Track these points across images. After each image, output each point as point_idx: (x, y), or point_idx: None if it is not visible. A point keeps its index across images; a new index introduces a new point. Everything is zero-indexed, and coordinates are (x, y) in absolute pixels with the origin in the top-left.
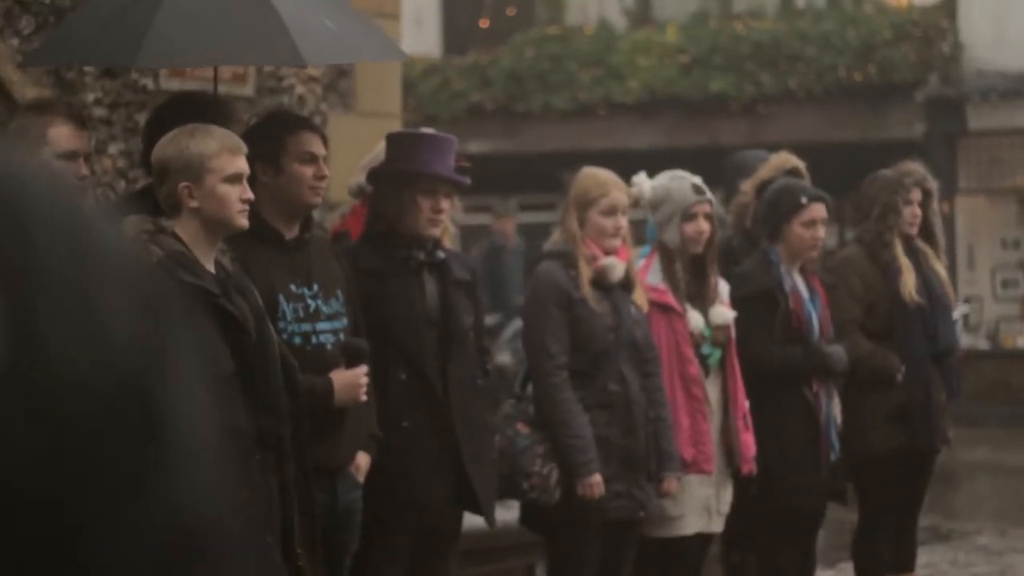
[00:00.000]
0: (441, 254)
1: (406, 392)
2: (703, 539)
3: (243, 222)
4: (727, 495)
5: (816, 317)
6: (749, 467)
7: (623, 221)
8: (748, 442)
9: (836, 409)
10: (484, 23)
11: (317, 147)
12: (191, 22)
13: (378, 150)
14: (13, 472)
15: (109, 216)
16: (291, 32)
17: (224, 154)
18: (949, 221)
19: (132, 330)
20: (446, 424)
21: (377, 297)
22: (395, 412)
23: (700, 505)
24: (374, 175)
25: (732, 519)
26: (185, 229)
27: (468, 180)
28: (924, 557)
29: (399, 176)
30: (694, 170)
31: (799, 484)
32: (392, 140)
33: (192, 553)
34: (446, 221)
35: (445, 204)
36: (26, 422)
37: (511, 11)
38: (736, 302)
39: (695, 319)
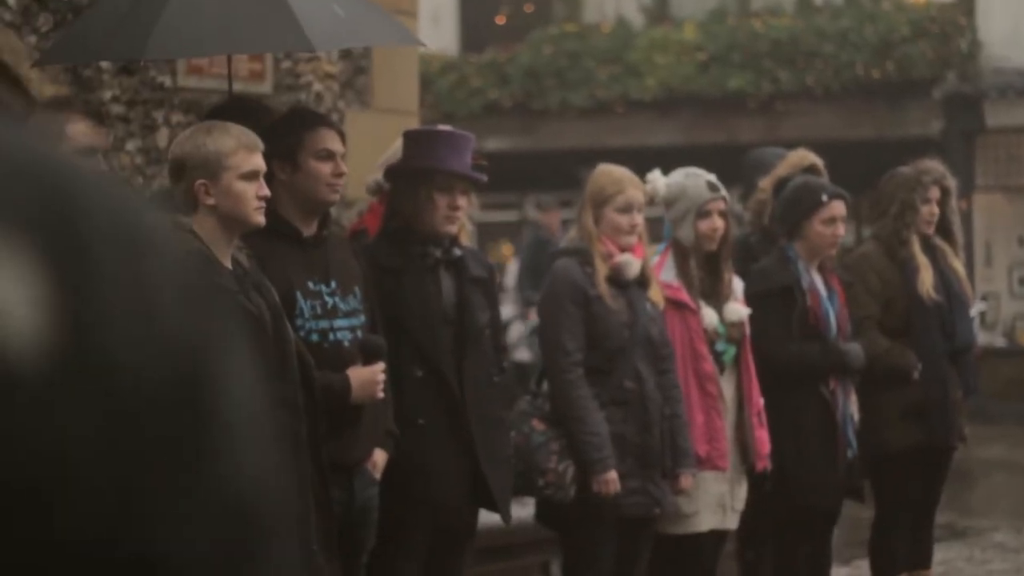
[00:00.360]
0: (458, 251)
1: (422, 389)
2: (717, 536)
3: (260, 219)
4: (742, 492)
5: (834, 314)
6: (764, 464)
7: (639, 218)
8: (763, 439)
9: (853, 406)
10: (501, 20)
11: (335, 144)
12: (199, 13)
13: (395, 147)
14: (73, 460)
15: (156, 206)
16: (299, 19)
17: (241, 151)
18: (966, 218)
19: (186, 318)
20: (462, 422)
21: (393, 294)
22: (411, 409)
23: (714, 502)
24: (391, 172)
25: (747, 516)
26: (202, 226)
27: (485, 177)
28: (940, 554)
29: (416, 173)
30: (712, 167)
31: (816, 482)
32: (409, 137)
33: (254, 539)
34: (463, 218)
35: (462, 201)
36: (85, 410)
37: (528, 8)
38: (754, 298)
39: (709, 316)
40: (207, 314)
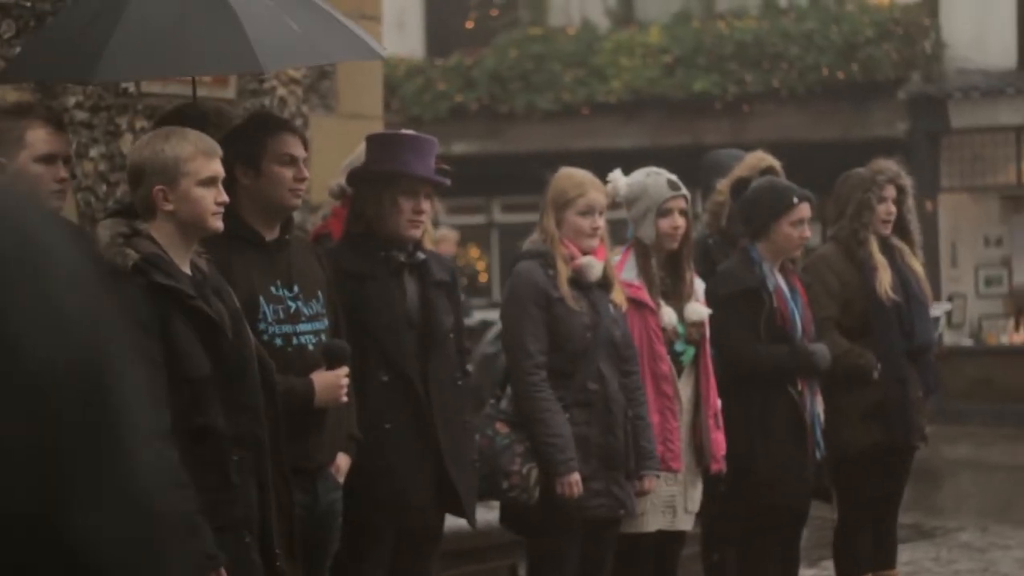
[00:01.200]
0: (421, 255)
1: (388, 393)
2: (668, 537)
3: (218, 224)
4: (696, 494)
5: (799, 315)
6: (719, 466)
7: (600, 221)
8: (719, 441)
9: (820, 407)
10: (467, 24)
11: (297, 149)
12: (149, 35)
13: (359, 151)
14: None
15: (57, 218)
16: (250, 39)
17: (199, 157)
18: (932, 219)
19: (83, 317)
20: (427, 425)
21: (358, 299)
22: (377, 413)
23: (663, 503)
24: (354, 176)
25: (710, 518)
26: (160, 232)
27: (448, 181)
28: (906, 554)
29: (379, 177)
30: (678, 170)
31: (787, 482)
32: (372, 141)
33: (159, 526)
34: (427, 222)
35: (426, 205)
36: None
37: (494, 12)
38: (721, 301)
39: (668, 315)
40: (103, 318)
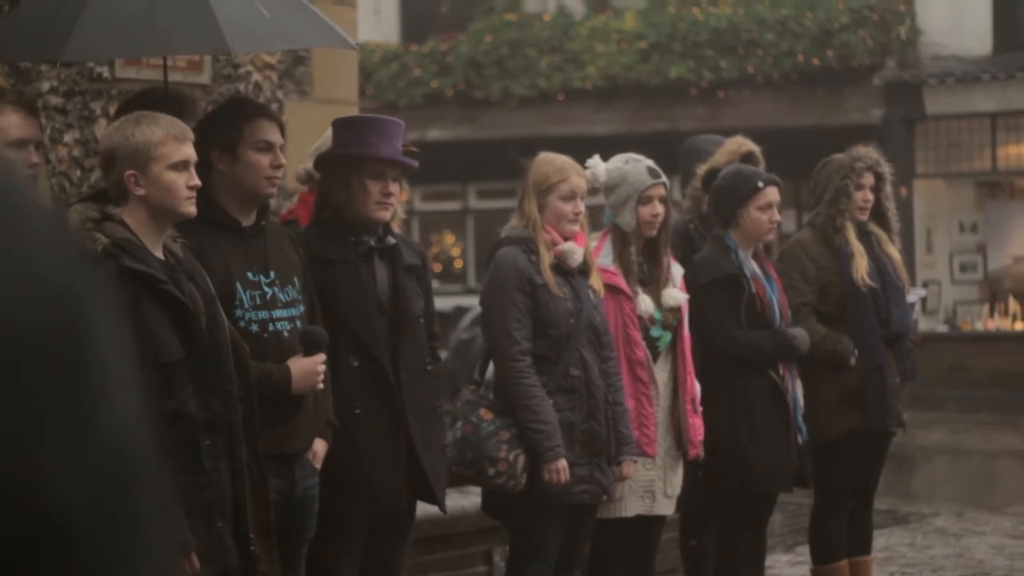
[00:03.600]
0: (391, 239)
1: (358, 378)
2: (648, 522)
3: (190, 209)
4: (676, 479)
5: (776, 301)
6: (696, 451)
7: (582, 206)
8: (696, 426)
9: (800, 392)
10: (443, 10)
11: (273, 135)
12: (119, 15)
13: (326, 136)
14: None
15: (31, 188)
16: (219, 20)
17: (170, 141)
18: (907, 205)
19: (58, 274)
20: (398, 410)
21: (327, 284)
22: (347, 398)
23: (642, 488)
24: (321, 161)
25: (688, 503)
26: (132, 216)
27: (416, 163)
28: (882, 540)
29: (347, 161)
30: (653, 156)
31: (771, 468)
32: (338, 125)
33: (131, 485)
34: (396, 206)
35: (394, 188)
36: None
37: None
38: (701, 288)
39: (644, 302)
40: (78, 272)
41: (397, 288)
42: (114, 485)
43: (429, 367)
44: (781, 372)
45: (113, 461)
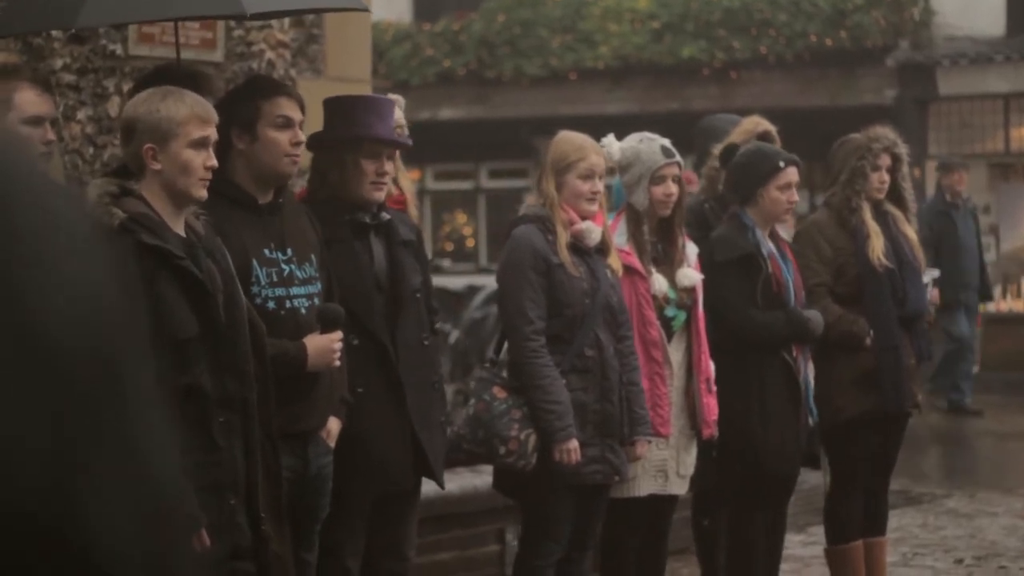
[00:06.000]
0: (386, 215)
1: (359, 357)
2: (661, 501)
3: (202, 193)
4: (690, 458)
5: (791, 281)
6: (710, 431)
7: (600, 185)
8: (710, 406)
9: (811, 374)
10: None
11: (292, 111)
12: None
13: None
14: (7, 430)
15: (71, 185)
16: None
17: (194, 121)
18: (919, 186)
19: (98, 294)
20: (399, 388)
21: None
22: (349, 377)
23: (655, 467)
24: (315, 141)
25: (702, 483)
26: (150, 190)
27: (411, 142)
28: (894, 520)
29: (341, 141)
30: (666, 136)
31: (781, 448)
32: (330, 105)
33: (171, 508)
34: (405, 182)
35: (389, 167)
36: (11, 382)
37: None
38: (717, 267)
39: (659, 282)
40: (118, 291)
41: (394, 264)
42: (154, 520)
43: (426, 342)
44: (794, 354)
45: (153, 495)
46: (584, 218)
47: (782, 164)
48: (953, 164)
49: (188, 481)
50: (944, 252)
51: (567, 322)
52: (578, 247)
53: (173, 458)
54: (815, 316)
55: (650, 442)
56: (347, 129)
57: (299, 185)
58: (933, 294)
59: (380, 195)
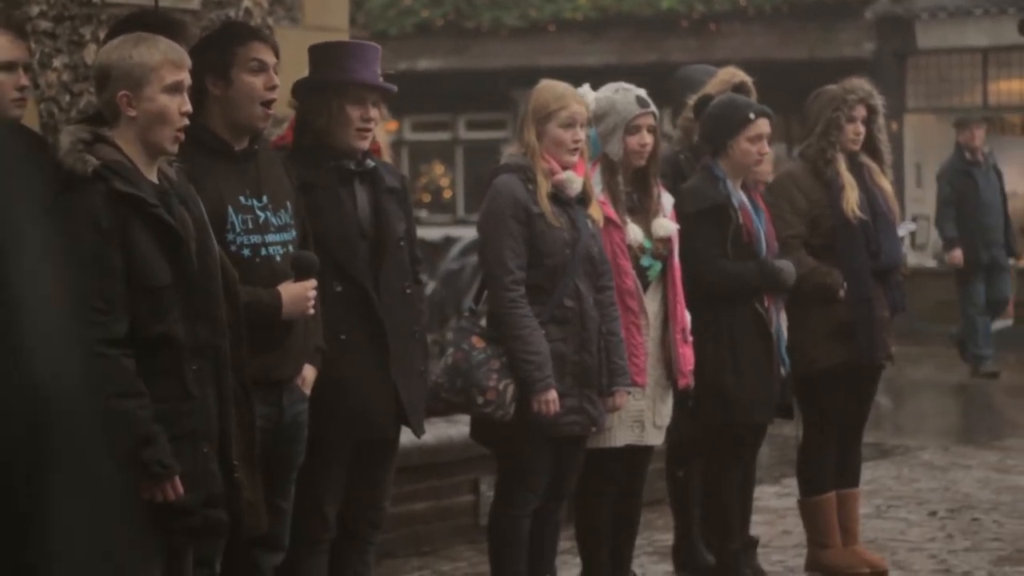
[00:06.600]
0: (371, 162)
1: (342, 304)
2: (636, 451)
3: (174, 148)
4: (666, 409)
5: (763, 232)
6: (686, 381)
7: (581, 134)
8: (686, 356)
9: (784, 324)
10: None
11: (266, 55)
12: None
13: None
14: None
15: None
16: None
17: (167, 66)
18: (897, 139)
19: None
20: (381, 335)
21: (309, 209)
22: (332, 324)
23: (631, 418)
24: (300, 87)
25: (675, 434)
26: (124, 138)
27: (395, 88)
28: (868, 473)
29: (327, 87)
30: (644, 87)
31: (754, 397)
32: (315, 51)
33: (44, 414)
34: (379, 131)
35: (374, 113)
36: None
37: None
38: (688, 217)
39: (634, 232)
40: (4, 204)
41: (379, 211)
42: (27, 419)
43: (408, 290)
44: (766, 304)
45: (27, 396)
46: (565, 168)
47: (752, 116)
48: (968, 120)
49: (154, 420)
50: (966, 211)
51: (547, 272)
52: (559, 197)
53: (64, 374)
54: (787, 266)
55: (629, 393)
56: (332, 74)
57: (274, 134)
58: (955, 255)
59: (364, 143)
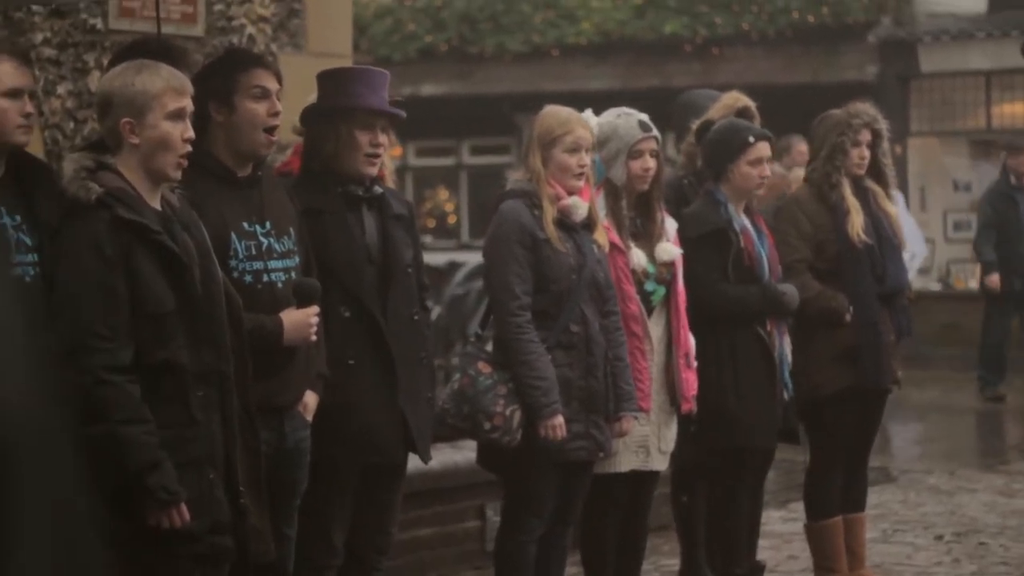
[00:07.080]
0: (379, 189)
1: (349, 329)
2: (642, 477)
3: (177, 174)
4: (670, 433)
5: (766, 256)
6: (689, 406)
7: (587, 159)
8: (690, 381)
9: (787, 348)
10: None
11: (269, 81)
12: None
13: None
14: None
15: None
16: None
17: (169, 93)
18: (901, 163)
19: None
20: (389, 360)
21: (316, 235)
22: (339, 349)
23: (636, 443)
24: (308, 113)
25: (680, 459)
26: (127, 165)
27: (403, 113)
28: (874, 497)
29: (335, 112)
30: (648, 112)
31: (756, 422)
32: (324, 77)
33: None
34: (384, 157)
35: (383, 139)
36: None
37: None
38: (690, 242)
39: (637, 256)
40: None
41: (386, 237)
42: None
43: (416, 316)
44: (768, 328)
45: None
46: (571, 193)
47: (752, 139)
48: (1020, 145)
49: (159, 447)
50: (1005, 236)
51: (553, 298)
52: (564, 222)
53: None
54: (790, 290)
55: (636, 418)
56: (341, 100)
57: (278, 160)
58: (993, 279)
59: (373, 169)
